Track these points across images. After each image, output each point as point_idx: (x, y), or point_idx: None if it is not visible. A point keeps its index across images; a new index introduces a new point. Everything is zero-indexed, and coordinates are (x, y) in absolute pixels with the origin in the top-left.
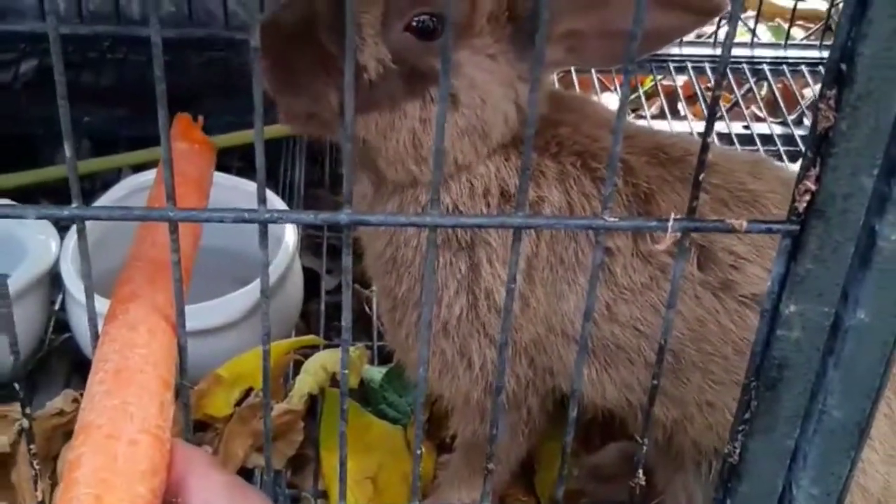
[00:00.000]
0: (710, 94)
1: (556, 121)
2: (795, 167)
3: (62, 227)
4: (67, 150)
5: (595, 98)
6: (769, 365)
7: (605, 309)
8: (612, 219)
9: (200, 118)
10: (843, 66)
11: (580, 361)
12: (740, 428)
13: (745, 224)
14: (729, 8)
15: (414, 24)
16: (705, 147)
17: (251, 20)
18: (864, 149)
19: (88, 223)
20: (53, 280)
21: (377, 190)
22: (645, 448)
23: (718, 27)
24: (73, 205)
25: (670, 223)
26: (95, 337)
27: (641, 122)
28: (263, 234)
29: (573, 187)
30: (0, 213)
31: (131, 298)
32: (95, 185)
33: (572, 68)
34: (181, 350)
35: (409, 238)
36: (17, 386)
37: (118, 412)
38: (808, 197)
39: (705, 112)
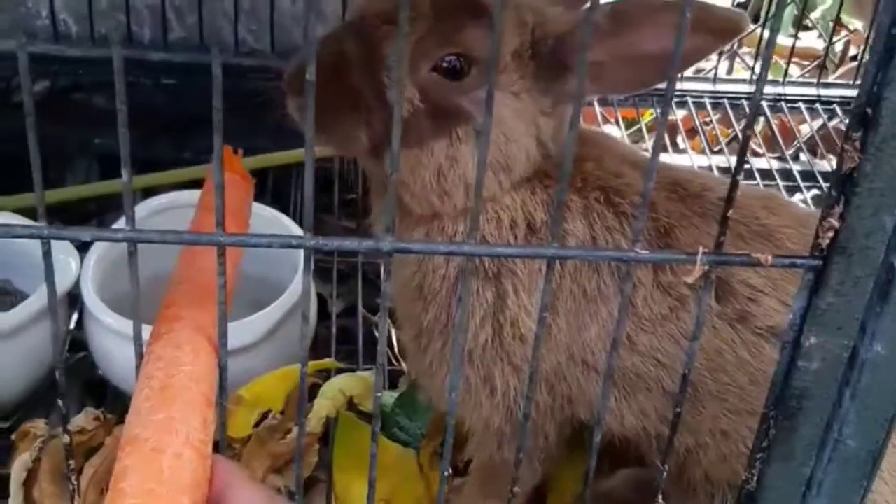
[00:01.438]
0: (708, 128)
1: (581, 156)
2: (802, 203)
3: (80, 248)
4: (125, 175)
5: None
6: (789, 395)
7: (626, 339)
8: (644, 252)
9: (241, 150)
10: (869, 110)
11: (606, 389)
12: (758, 455)
13: (770, 259)
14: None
15: (443, 64)
16: (735, 184)
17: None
18: (886, 189)
19: (104, 245)
20: (69, 300)
21: (401, 220)
22: (665, 474)
23: (718, 63)
24: (127, 227)
25: (699, 257)
26: (140, 356)
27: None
28: (307, 260)
29: (597, 221)
30: (53, 234)
31: (176, 319)
32: (106, 206)
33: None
34: (222, 370)
35: (436, 266)
36: (59, 402)
37: (163, 426)
38: (831, 233)
39: (704, 145)
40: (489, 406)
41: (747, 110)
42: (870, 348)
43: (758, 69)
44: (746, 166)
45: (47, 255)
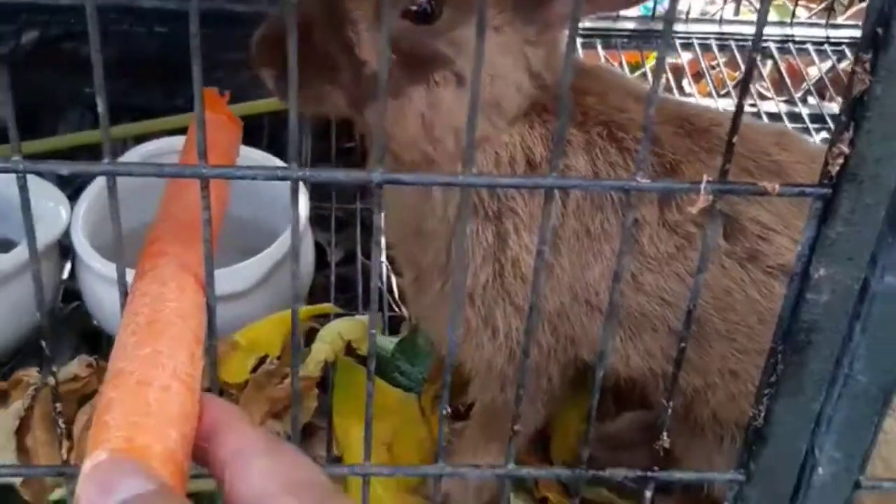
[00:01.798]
0: (714, 71)
1: (582, 89)
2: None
3: (71, 197)
4: (100, 106)
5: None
6: (797, 329)
7: (630, 279)
8: (645, 181)
9: (227, 93)
10: (879, 30)
11: (609, 325)
12: (766, 391)
13: (777, 187)
14: None
15: (412, 9)
16: (740, 109)
17: None
18: None
19: (94, 192)
20: (61, 250)
21: (395, 170)
22: (669, 411)
23: (724, 4)
24: (106, 160)
25: (703, 185)
26: (124, 294)
27: None
28: (294, 192)
29: (599, 157)
30: (29, 168)
31: (160, 255)
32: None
33: (578, 44)
34: (210, 310)
35: (434, 207)
36: (42, 343)
37: (149, 360)
38: (840, 160)
39: (710, 88)
40: (491, 347)
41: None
42: (881, 280)
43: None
44: (754, 109)
45: (23, 189)
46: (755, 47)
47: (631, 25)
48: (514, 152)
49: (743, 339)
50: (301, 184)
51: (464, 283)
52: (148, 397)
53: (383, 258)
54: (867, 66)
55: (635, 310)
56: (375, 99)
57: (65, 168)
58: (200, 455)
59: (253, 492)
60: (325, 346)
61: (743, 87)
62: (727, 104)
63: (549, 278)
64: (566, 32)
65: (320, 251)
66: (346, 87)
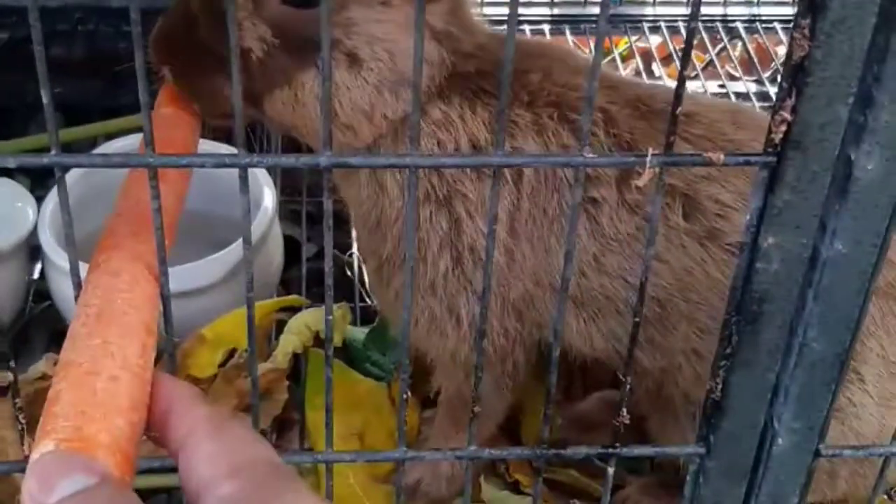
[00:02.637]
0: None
1: (524, 68)
2: None
3: (40, 198)
4: (45, 97)
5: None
6: (749, 299)
7: (592, 260)
8: (591, 155)
9: None
10: None
11: (562, 302)
12: (722, 363)
13: (722, 157)
14: None
15: None
16: (682, 80)
17: None
18: (838, 77)
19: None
20: (31, 251)
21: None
22: (629, 387)
23: None
24: (52, 152)
25: (648, 158)
26: (78, 287)
27: None
28: (244, 179)
29: (551, 140)
30: None
31: (113, 248)
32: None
33: (546, 30)
34: (164, 299)
35: (392, 199)
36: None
37: (99, 350)
38: (784, 127)
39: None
40: (455, 336)
41: (722, 33)
42: (830, 246)
43: None
44: (723, 90)
45: None
46: (693, 17)
47: (599, 10)
48: (458, 137)
49: (705, 319)
50: (268, 177)
51: (415, 264)
52: (96, 387)
53: (354, 249)
54: (806, 31)
55: (598, 292)
56: (269, 90)
57: (12, 161)
58: (159, 440)
59: (200, 478)
60: (293, 337)
61: (684, 57)
62: (696, 86)
63: (511, 264)
64: None
65: (295, 246)
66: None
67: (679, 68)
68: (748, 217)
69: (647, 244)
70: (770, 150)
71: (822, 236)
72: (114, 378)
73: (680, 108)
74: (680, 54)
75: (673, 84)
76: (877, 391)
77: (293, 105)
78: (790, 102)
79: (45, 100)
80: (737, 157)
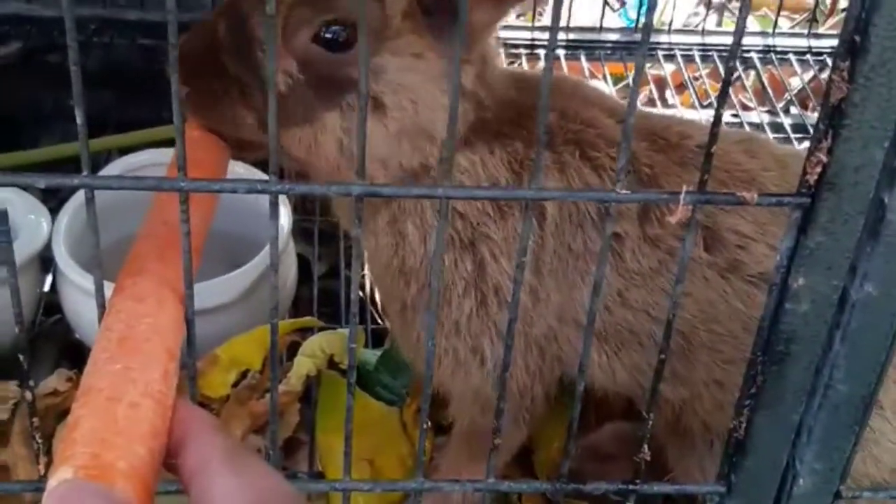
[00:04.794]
0: (697, 82)
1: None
2: (788, 145)
3: (54, 209)
4: (79, 118)
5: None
6: (777, 339)
7: (616, 295)
8: (625, 192)
9: None
10: (857, 38)
11: (588, 337)
12: (746, 403)
13: (755, 197)
14: None
15: (324, 35)
16: (718, 119)
17: None
18: (876, 120)
19: (75, 205)
20: (42, 263)
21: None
22: (651, 423)
23: (707, 15)
24: (84, 173)
25: (682, 196)
26: (102, 306)
27: None
28: (274, 205)
29: (574, 177)
30: (7, 181)
31: (139, 272)
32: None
33: (562, 55)
34: (189, 323)
35: (414, 247)
36: (21, 357)
37: (120, 376)
38: (819, 169)
39: (694, 100)
40: (480, 376)
41: (737, 63)
42: (860, 289)
43: (747, 21)
44: (737, 120)
45: None
46: (732, 56)
47: (614, 37)
48: (479, 179)
49: (728, 349)
50: (283, 197)
51: (438, 301)
52: (116, 414)
53: (366, 271)
54: (845, 74)
55: (622, 326)
56: (287, 125)
57: (42, 181)
58: (172, 467)
59: None
60: (307, 360)
61: (720, 98)
62: (710, 115)
63: (535, 303)
64: (491, 42)
65: (305, 264)
66: (259, 109)
67: (715, 106)
68: (778, 257)
69: (678, 280)
70: (804, 190)
71: (852, 278)
72: (134, 405)
73: (714, 147)
74: (694, 82)
75: (684, 112)
76: (895, 417)
77: (311, 143)
78: (826, 144)
79: (78, 120)
80: (770, 197)
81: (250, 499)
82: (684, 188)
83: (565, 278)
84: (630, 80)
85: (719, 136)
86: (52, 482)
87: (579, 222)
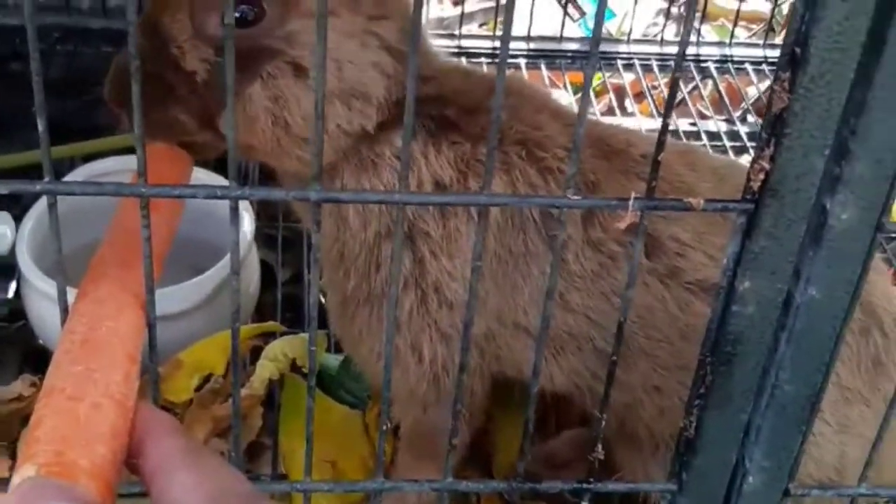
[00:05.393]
0: (656, 91)
1: (490, 105)
2: (726, 156)
3: (18, 217)
4: (40, 124)
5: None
6: (724, 340)
7: (558, 297)
8: (576, 197)
9: None
10: (797, 50)
11: (541, 341)
12: (696, 403)
13: (702, 202)
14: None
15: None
16: (664, 127)
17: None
18: (816, 130)
19: (39, 211)
20: (5, 271)
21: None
22: (603, 423)
23: (665, 26)
24: (46, 179)
25: (631, 202)
26: (65, 310)
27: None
28: (234, 211)
29: (519, 179)
30: None
31: (101, 277)
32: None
33: (523, 64)
34: (150, 328)
35: (354, 233)
36: None
37: (82, 377)
38: (762, 176)
39: (652, 109)
40: (417, 373)
41: (694, 73)
42: (804, 292)
43: (704, 32)
44: (694, 129)
45: None
46: (677, 66)
47: (574, 46)
48: (421, 175)
49: (665, 356)
50: (246, 203)
51: (378, 301)
52: (78, 413)
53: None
54: (786, 84)
55: (562, 329)
56: (218, 110)
57: (4, 187)
58: (134, 467)
59: None
60: (269, 364)
61: (667, 107)
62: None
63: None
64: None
65: (268, 270)
66: (189, 104)
67: (662, 116)
68: (725, 261)
69: (628, 286)
70: (748, 197)
71: (796, 282)
72: (96, 405)
73: (661, 155)
74: (652, 91)
75: (643, 121)
76: (834, 418)
77: (243, 121)
78: (769, 152)
79: (40, 126)
80: (716, 202)
81: (209, 494)
82: (633, 194)
83: (506, 280)
84: (591, 90)
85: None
86: (16, 479)
87: (521, 225)
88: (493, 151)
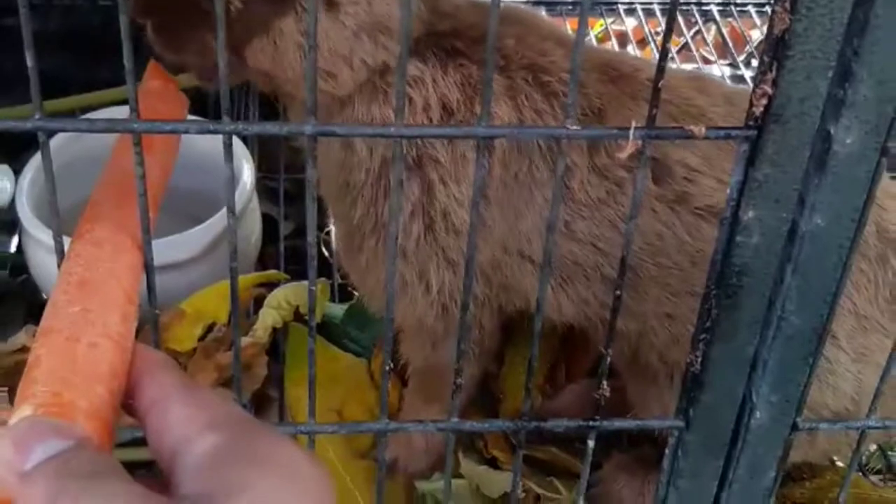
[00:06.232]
0: (659, 37)
1: (500, 32)
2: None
3: (17, 172)
4: (29, 60)
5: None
6: (729, 272)
7: (563, 226)
8: (575, 127)
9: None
10: None
11: (545, 271)
12: (701, 336)
13: (704, 130)
14: None
15: None
16: (665, 52)
17: None
18: (818, 51)
19: (37, 163)
20: (6, 226)
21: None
22: (609, 359)
23: None
24: (36, 116)
25: (632, 131)
26: (61, 254)
27: None
28: (228, 146)
29: (525, 103)
30: None
31: (97, 218)
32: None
33: None
34: (148, 269)
35: (360, 160)
36: None
37: (79, 318)
38: (764, 101)
39: (655, 55)
40: (424, 303)
41: (697, 17)
42: (809, 220)
43: None
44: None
45: None
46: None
47: None
48: (428, 97)
49: (676, 282)
50: (247, 153)
51: (385, 230)
52: (76, 353)
53: (332, 226)
54: (787, 4)
55: (567, 258)
56: (248, 39)
57: None
58: (128, 407)
59: (174, 438)
60: (272, 311)
61: (667, 31)
62: (671, 70)
63: (481, 230)
64: None
65: (272, 224)
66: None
67: (662, 41)
68: (728, 190)
69: (630, 216)
70: (751, 123)
71: (801, 210)
72: (94, 345)
73: (661, 81)
74: (655, 37)
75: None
76: (851, 346)
77: (272, 53)
78: (771, 76)
79: (29, 63)
80: (718, 130)
81: (207, 422)
82: (633, 123)
83: (510, 207)
84: (592, 36)
85: (670, 73)
86: (12, 420)
87: (527, 151)
88: (489, 81)
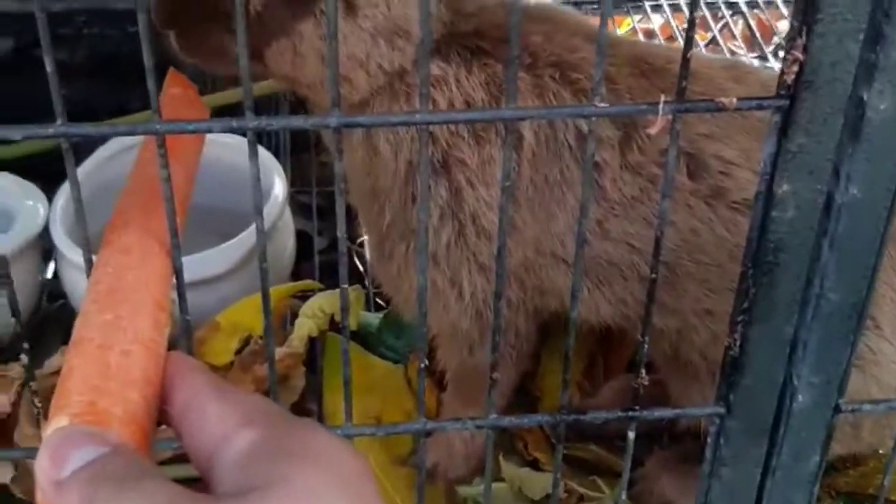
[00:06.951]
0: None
1: (525, 31)
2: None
3: (49, 195)
4: (48, 65)
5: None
6: (765, 249)
7: (596, 226)
8: (603, 105)
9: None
10: None
11: (578, 265)
12: (739, 318)
13: (734, 101)
14: None
15: None
16: (692, 24)
17: None
18: (849, 12)
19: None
20: (44, 253)
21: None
22: (646, 347)
23: None
24: (58, 122)
25: (661, 106)
26: (90, 263)
27: None
28: (252, 143)
29: (552, 101)
30: None
31: (123, 225)
32: (77, 157)
33: None
34: (177, 273)
35: (385, 164)
36: (25, 345)
37: (111, 326)
38: (796, 68)
39: None
40: (458, 309)
41: (724, 10)
42: (845, 192)
43: None
44: None
45: None
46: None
47: None
48: (453, 97)
49: (715, 279)
50: (278, 165)
51: (417, 234)
52: (109, 361)
53: (365, 237)
54: None
55: (602, 258)
56: (268, 42)
57: (17, 131)
58: (162, 413)
59: (210, 438)
60: (307, 320)
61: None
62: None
63: (512, 232)
64: None
65: (307, 241)
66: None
67: (689, 12)
68: (762, 164)
69: (662, 196)
70: (783, 92)
71: (836, 182)
72: (126, 352)
73: (690, 52)
74: (683, 33)
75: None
76: (895, 337)
77: (292, 57)
78: (801, 41)
79: (48, 68)
80: (749, 101)
81: (242, 419)
82: (662, 98)
83: (542, 208)
84: (616, 31)
85: (705, 62)
86: (48, 430)
87: (557, 151)
88: (513, 61)
